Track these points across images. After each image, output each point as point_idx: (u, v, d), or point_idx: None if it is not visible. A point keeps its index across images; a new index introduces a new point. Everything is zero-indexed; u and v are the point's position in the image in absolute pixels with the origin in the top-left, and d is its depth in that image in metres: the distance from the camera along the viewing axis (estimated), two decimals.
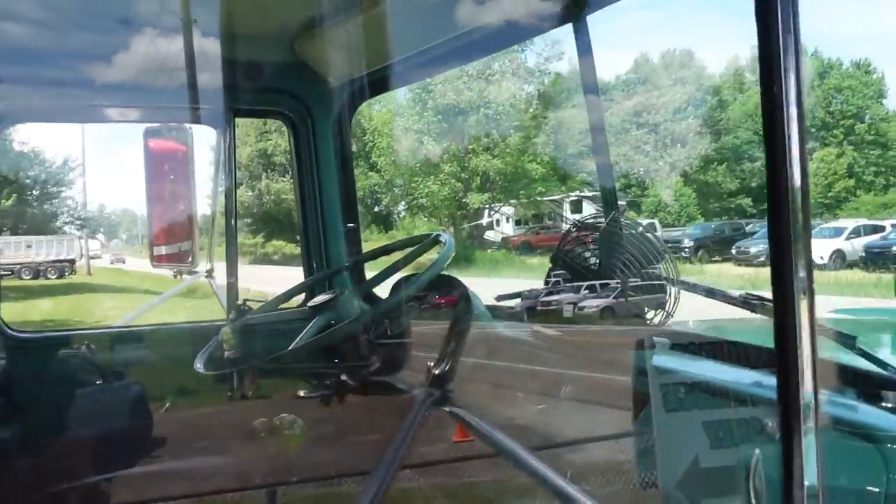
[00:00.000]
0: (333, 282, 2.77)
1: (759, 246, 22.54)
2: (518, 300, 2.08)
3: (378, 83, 3.04)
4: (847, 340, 1.39)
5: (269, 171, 32.33)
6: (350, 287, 2.48)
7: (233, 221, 2.81)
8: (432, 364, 1.77)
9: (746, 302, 1.48)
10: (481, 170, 28.22)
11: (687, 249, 22.98)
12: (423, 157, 28.81)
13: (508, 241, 28.58)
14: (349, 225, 2.85)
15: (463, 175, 28.57)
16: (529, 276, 23.77)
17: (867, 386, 1.36)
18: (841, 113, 29.64)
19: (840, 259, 20.04)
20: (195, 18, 2.68)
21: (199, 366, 1.91)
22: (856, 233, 20.58)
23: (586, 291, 1.78)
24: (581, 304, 1.74)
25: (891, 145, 29.16)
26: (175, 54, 2.79)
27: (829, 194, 28.04)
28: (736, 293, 1.52)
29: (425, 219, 32.03)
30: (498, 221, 31.17)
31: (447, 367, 1.71)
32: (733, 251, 22.83)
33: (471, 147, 28.50)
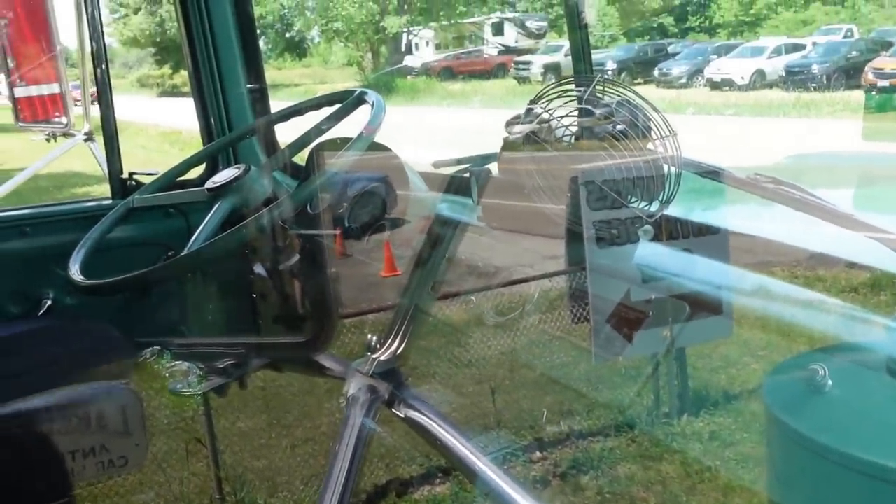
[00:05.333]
0: (238, 155, 2.36)
1: (680, 67, 22.42)
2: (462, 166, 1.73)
3: None
4: None
5: None
6: (259, 160, 2.08)
7: (104, 67, 2.27)
8: (374, 340, 1.45)
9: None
10: None
11: (610, 72, 22.67)
12: None
13: (429, 67, 27.63)
14: (251, 86, 2.37)
15: None
16: (452, 103, 23.27)
17: None
18: None
19: (760, 79, 20.12)
20: None
21: (76, 273, 1.52)
22: (777, 52, 20.54)
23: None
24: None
25: None
26: None
27: (751, 11, 27.76)
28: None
29: (341, 44, 30.63)
30: (417, 46, 30.03)
31: (399, 346, 1.40)
32: (655, 73, 22.67)
33: None
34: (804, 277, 6.42)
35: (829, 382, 1.16)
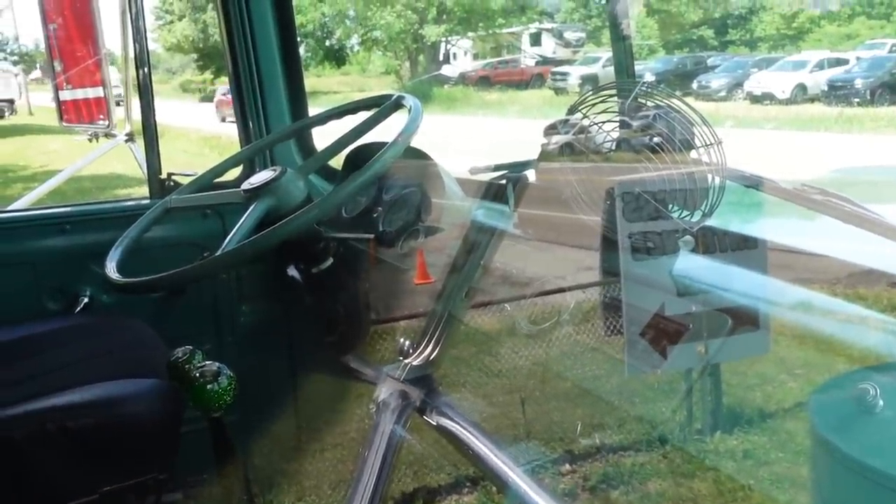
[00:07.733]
0: (275, 158, 2.37)
1: (720, 80, 22.17)
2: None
3: None
4: None
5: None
6: (296, 163, 2.09)
7: (146, 70, 2.30)
8: (406, 344, 1.43)
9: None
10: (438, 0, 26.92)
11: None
12: None
13: (466, 77, 27.66)
14: (289, 91, 2.40)
15: (419, 5, 27.20)
16: (489, 113, 23.26)
17: None
18: None
19: (802, 93, 19.83)
20: None
21: (112, 271, 1.52)
22: (819, 66, 20.24)
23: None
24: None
25: None
26: None
27: (793, 25, 27.39)
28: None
29: (380, 53, 30.82)
30: (455, 55, 30.11)
31: (432, 352, 1.38)
32: (694, 86, 22.45)
33: None
34: (843, 296, 6.27)
35: (881, 403, 1.11)
